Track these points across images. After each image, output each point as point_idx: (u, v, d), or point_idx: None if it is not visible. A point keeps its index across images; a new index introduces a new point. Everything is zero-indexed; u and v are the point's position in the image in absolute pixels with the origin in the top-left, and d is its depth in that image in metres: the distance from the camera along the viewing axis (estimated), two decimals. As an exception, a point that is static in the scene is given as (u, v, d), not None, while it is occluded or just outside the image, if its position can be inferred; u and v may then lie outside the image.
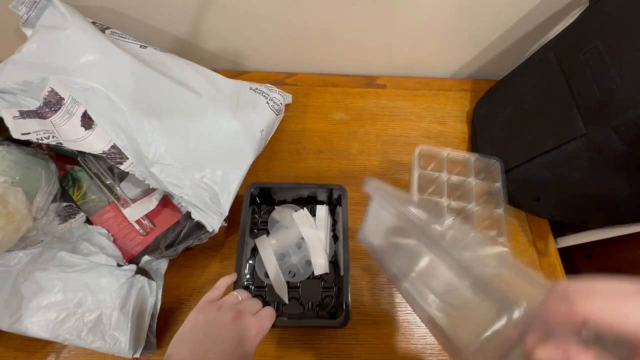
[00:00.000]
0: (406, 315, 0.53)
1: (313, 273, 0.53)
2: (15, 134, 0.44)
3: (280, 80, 0.73)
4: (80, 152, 0.54)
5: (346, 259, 0.50)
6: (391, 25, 0.64)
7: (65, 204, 0.55)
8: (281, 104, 0.64)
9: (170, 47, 0.64)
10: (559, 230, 0.62)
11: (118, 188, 0.57)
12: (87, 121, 0.47)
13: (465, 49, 0.71)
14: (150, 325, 0.48)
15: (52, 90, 0.47)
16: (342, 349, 0.51)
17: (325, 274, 0.53)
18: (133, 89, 0.49)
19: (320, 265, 0.53)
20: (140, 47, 0.55)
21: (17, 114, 0.46)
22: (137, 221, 0.56)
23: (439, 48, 0.70)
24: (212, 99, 0.55)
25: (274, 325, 0.42)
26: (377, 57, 0.73)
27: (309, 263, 0.54)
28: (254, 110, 0.59)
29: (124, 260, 0.53)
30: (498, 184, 0.54)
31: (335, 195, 0.55)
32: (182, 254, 0.54)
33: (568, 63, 0.50)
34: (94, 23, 0.52)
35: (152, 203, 0.56)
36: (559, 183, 0.50)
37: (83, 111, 0.47)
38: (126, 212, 0.56)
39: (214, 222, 0.49)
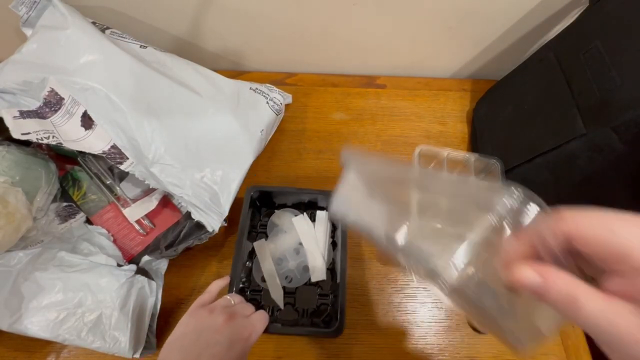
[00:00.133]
0: (406, 315, 0.53)
1: (310, 279, 0.53)
2: (15, 134, 0.44)
3: (280, 80, 0.73)
4: (80, 152, 0.54)
5: (344, 266, 0.49)
6: (391, 25, 0.64)
7: (65, 204, 0.55)
8: (281, 104, 0.64)
9: (170, 47, 0.64)
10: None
11: (118, 188, 0.57)
12: (87, 121, 0.47)
13: (465, 49, 0.71)
14: (150, 325, 0.48)
15: (52, 90, 0.47)
16: (342, 349, 0.51)
17: (322, 280, 0.52)
18: (133, 89, 0.49)
19: (318, 271, 0.52)
20: (140, 47, 0.55)
21: (17, 114, 0.46)
22: (137, 221, 0.56)
23: (439, 48, 0.70)
24: (212, 99, 0.55)
25: (267, 331, 0.41)
26: (377, 57, 0.73)
27: (306, 269, 0.53)
28: (254, 110, 0.59)
29: (124, 260, 0.53)
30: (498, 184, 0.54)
31: None
32: (182, 254, 0.54)
33: (568, 63, 0.50)
34: (94, 23, 0.52)
35: (152, 203, 0.56)
36: (559, 183, 0.50)
37: (83, 111, 0.47)
38: (126, 212, 0.56)
39: (214, 222, 0.49)
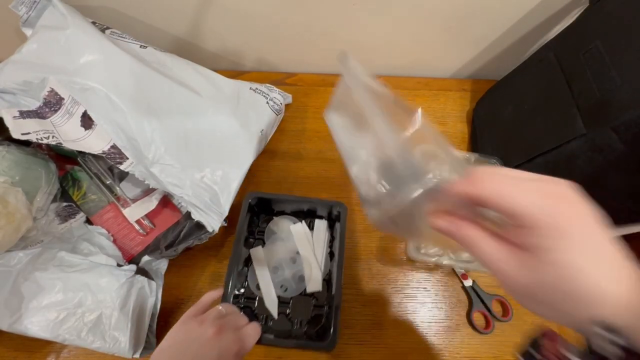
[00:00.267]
0: (406, 315, 0.53)
1: (305, 289, 0.52)
2: (15, 134, 0.44)
3: (280, 80, 0.73)
4: (80, 152, 0.54)
5: (339, 278, 0.48)
6: (391, 25, 0.64)
7: (65, 204, 0.55)
8: (281, 104, 0.64)
9: (170, 47, 0.64)
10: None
11: (118, 188, 0.57)
12: (87, 121, 0.47)
13: (465, 49, 0.71)
14: (150, 325, 0.48)
15: (52, 90, 0.47)
16: (343, 349, 0.51)
17: (318, 291, 0.52)
18: (133, 89, 0.49)
19: (314, 282, 0.51)
20: (140, 47, 0.55)
21: (17, 114, 0.46)
22: (137, 221, 0.56)
23: (439, 48, 0.70)
24: (212, 99, 0.55)
25: (259, 342, 0.41)
26: (377, 57, 0.73)
27: (302, 279, 0.52)
28: (254, 110, 0.59)
29: (124, 260, 0.53)
30: (498, 184, 0.54)
31: (335, 212, 0.53)
32: (182, 254, 0.54)
33: (568, 63, 0.50)
34: (94, 23, 0.52)
35: (152, 203, 0.56)
36: (559, 183, 0.50)
37: (83, 111, 0.47)
38: (126, 212, 0.56)
39: (214, 222, 0.49)
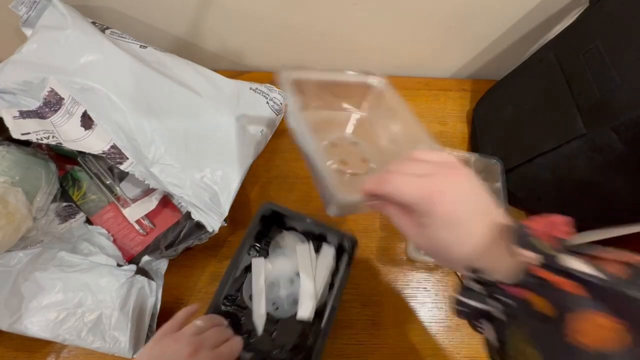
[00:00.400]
0: (406, 315, 0.53)
1: (296, 314, 0.49)
2: (15, 134, 0.44)
3: (280, 80, 0.73)
4: (80, 152, 0.54)
5: (332, 316, 0.46)
6: (391, 25, 0.64)
7: (65, 204, 0.55)
8: (281, 104, 0.64)
9: (170, 47, 0.64)
10: (559, 230, 0.62)
11: (118, 188, 0.57)
12: (87, 121, 0.47)
13: (465, 49, 0.71)
14: (150, 325, 0.48)
15: (52, 90, 0.47)
16: (343, 349, 0.51)
17: (308, 320, 0.49)
18: (133, 89, 0.49)
19: (306, 310, 0.49)
20: (140, 47, 0.55)
21: (17, 114, 0.46)
22: (137, 221, 0.56)
23: (439, 48, 0.70)
24: (212, 99, 0.55)
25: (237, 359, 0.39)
26: (377, 57, 0.72)
27: (295, 302, 0.49)
28: (254, 110, 0.59)
29: (124, 260, 0.53)
30: (498, 184, 0.54)
31: (345, 244, 0.51)
32: (182, 254, 0.54)
33: (568, 63, 0.50)
34: (94, 23, 0.52)
35: (152, 203, 0.56)
36: (559, 183, 0.50)
37: (83, 111, 0.47)
38: (126, 212, 0.56)
39: (214, 222, 0.49)
